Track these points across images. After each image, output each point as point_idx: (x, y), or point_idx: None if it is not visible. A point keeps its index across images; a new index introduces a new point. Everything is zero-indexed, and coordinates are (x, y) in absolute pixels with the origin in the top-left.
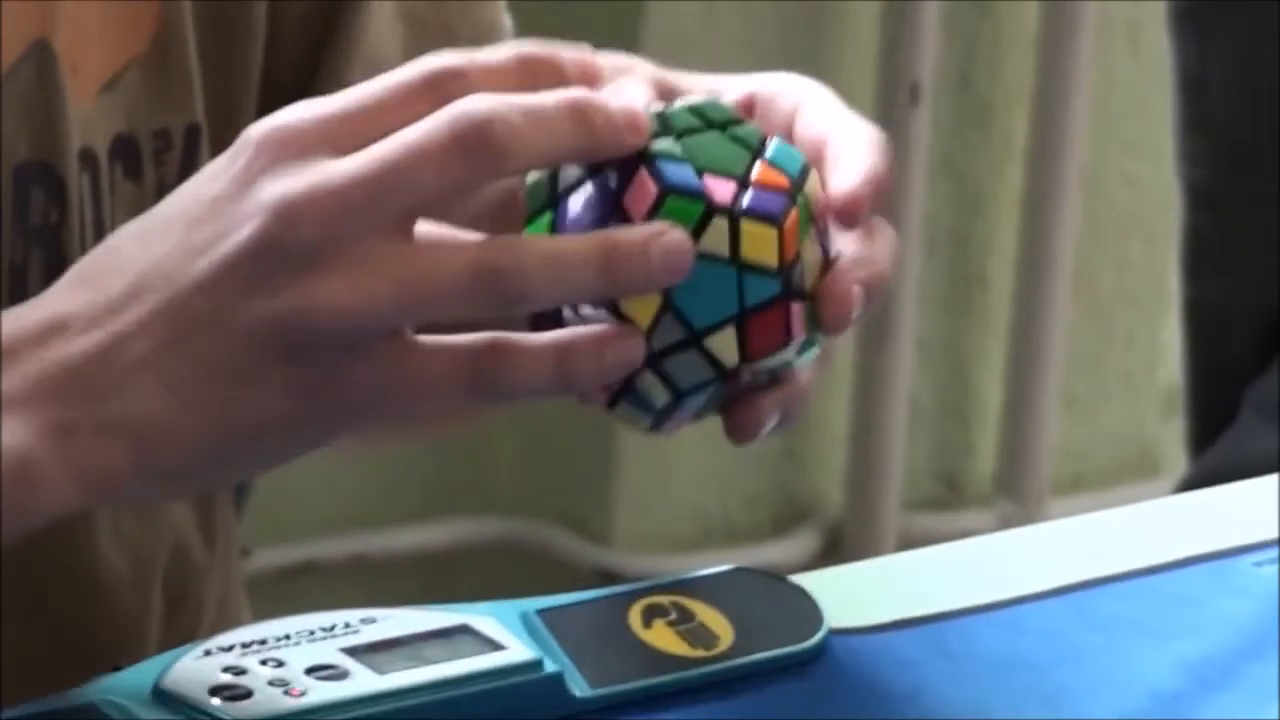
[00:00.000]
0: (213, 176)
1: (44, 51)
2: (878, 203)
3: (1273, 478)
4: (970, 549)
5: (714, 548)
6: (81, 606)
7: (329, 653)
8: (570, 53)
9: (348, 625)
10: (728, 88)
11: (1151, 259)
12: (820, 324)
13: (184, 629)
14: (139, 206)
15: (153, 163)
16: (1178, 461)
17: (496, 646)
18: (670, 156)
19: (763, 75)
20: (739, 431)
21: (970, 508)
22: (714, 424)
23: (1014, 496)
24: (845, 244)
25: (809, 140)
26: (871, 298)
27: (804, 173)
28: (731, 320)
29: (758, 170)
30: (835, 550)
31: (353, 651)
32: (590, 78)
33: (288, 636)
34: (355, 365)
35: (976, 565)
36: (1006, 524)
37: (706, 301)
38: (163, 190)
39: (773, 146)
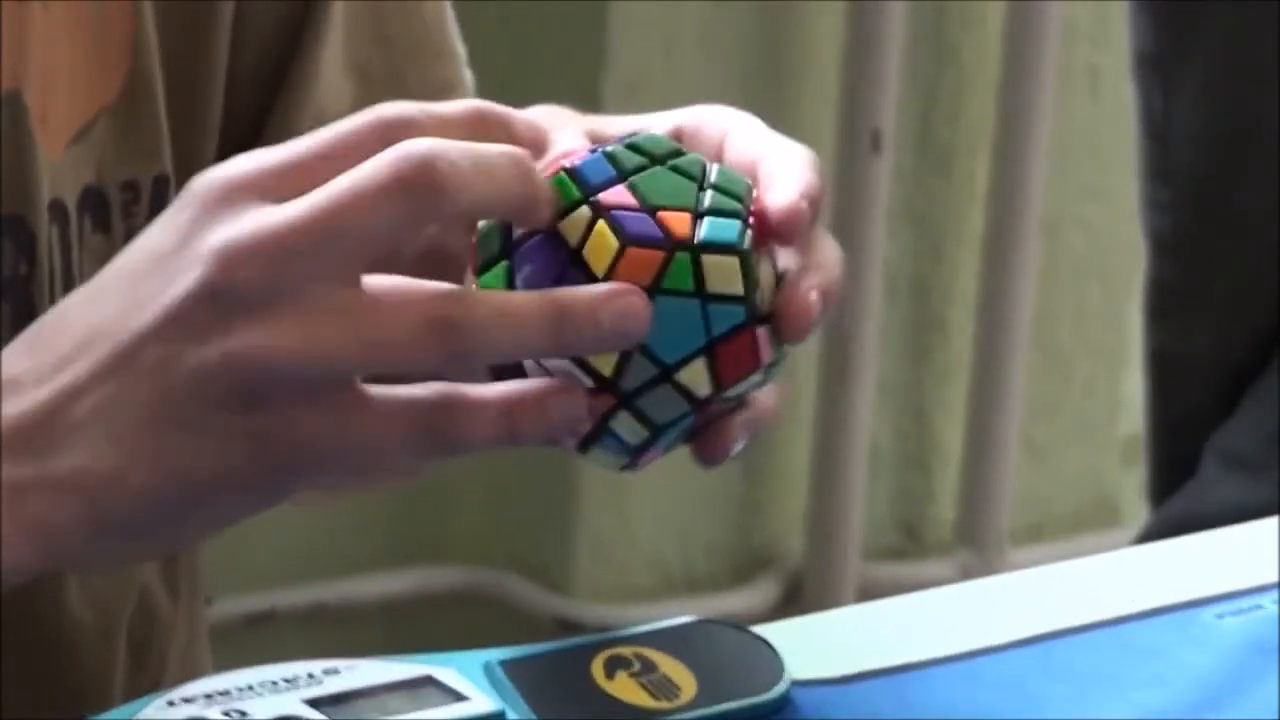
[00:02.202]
0: (157, 231)
1: (16, 103)
2: (814, 216)
3: (1233, 530)
4: (932, 600)
5: (674, 597)
6: (46, 656)
7: (292, 704)
8: (521, 116)
9: (311, 676)
10: (652, 125)
11: (1110, 306)
12: (782, 338)
13: (148, 679)
14: (108, 259)
15: (121, 214)
16: (1138, 510)
17: (459, 697)
18: (622, 205)
19: (685, 109)
20: (709, 457)
21: (930, 556)
22: (674, 475)
23: (974, 545)
24: (791, 258)
25: (740, 165)
26: (828, 305)
27: (749, 194)
28: (701, 352)
29: (708, 199)
30: (795, 599)
31: (316, 703)
32: (539, 143)
33: (251, 687)
34: (305, 415)
35: (938, 616)
36: (966, 573)
37: (674, 337)
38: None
39: (715, 173)
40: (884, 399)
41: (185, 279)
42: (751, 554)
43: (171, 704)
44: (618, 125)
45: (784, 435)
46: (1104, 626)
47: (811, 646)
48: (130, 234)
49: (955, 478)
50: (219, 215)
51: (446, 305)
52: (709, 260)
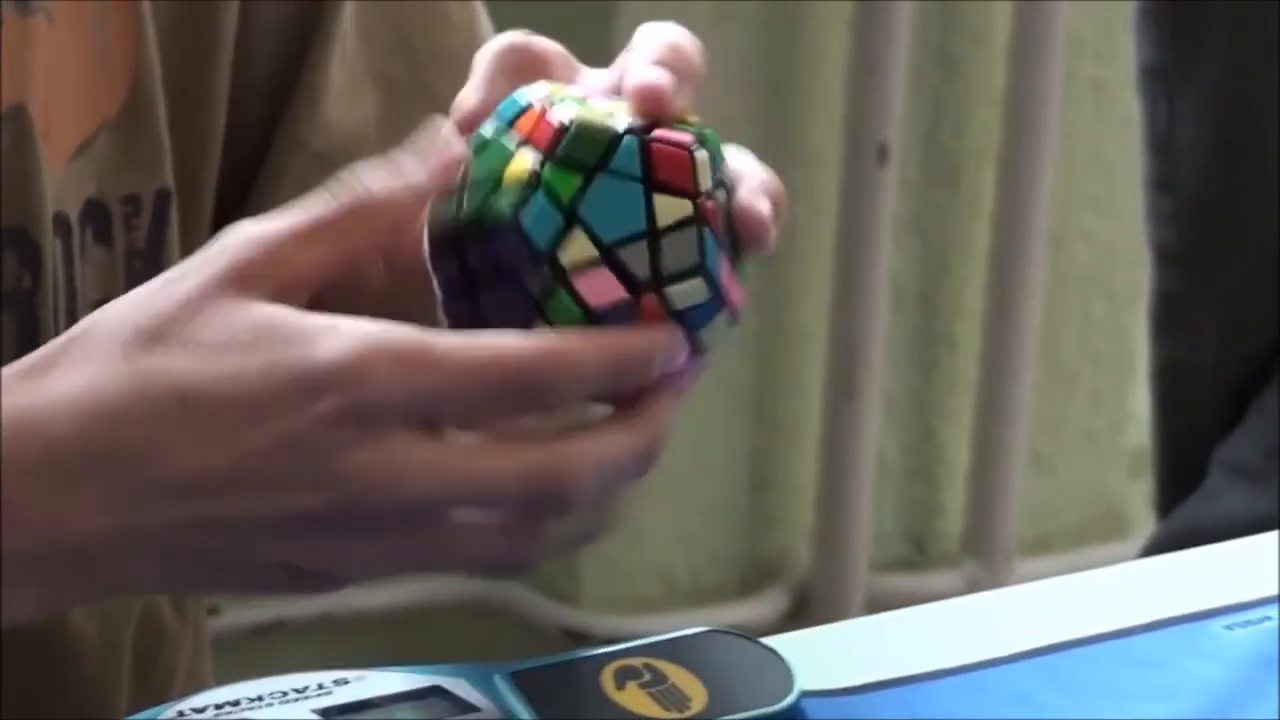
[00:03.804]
0: (278, 394)
1: (21, 116)
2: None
3: (1241, 542)
4: (940, 612)
5: (681, 608)
6: (50, 670)
7: (301, 714)
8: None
9: (320, 686)
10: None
11: (1116, 318)
12: (746, 251)
13: (154, 692)
14: (109, 271)
15: (123, 227)
16: (1145, 522)
17: (469, 708)
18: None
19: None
20: (755, 238)
21: (938, 568)
22: (682, 486)
23: (981, 557)
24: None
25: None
26: (778, 208)
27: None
28: (642, 190)
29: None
30: (803, 611)
31: (325, 713)
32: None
33: (260, 698)
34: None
35: (946, 628)
36: (974, 585)
37: (616, 213)
38: (132, 255)
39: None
40: (891, 411)
41: (306, 496)
42: (759, 565)
43: (181, 714)
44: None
45: (791, 447)
46: (1111, 638)
47: (820, 658)
48: (131, 247)
49: (962, 489)
50: (358, 437)
51: (520, 545)
52: (569, 138)
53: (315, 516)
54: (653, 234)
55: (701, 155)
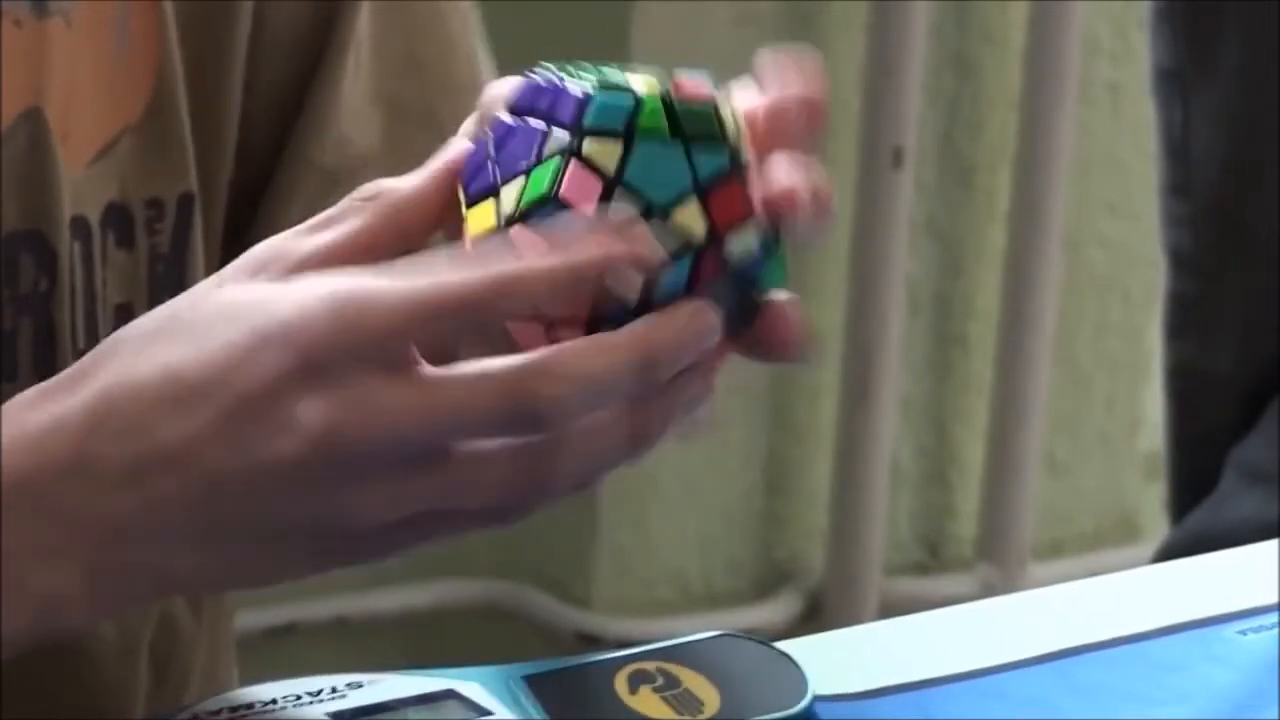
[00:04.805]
0: (236, 354)
1: (36, 119)
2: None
3: (1256, 546)
4: (954, 616)
5: (695, 611)
6: (67, 673)
7: (315, 717)
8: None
9: (334, 690)
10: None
11: (1130, 321)
12: (766, 357)
13: (171, 695)
14: (131, 275)
15: (145, 231)
16: (1159, 526)
17: (483, 712)
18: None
19: None
20: (777, 342)
21: (951, 571)
22: (696, 489)
23: (995, 561)
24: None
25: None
26: (805, 330)
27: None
28: (690, 189)
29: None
30: (816, 614)
31: (339, 716)
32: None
33: (274, 701)
34: (388, 536)
35: (961, 632)
36: (987, 588)
37: (652, 174)
38: (155, 259)
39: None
40: (905, 414)
41: (286, 447)
42: (773, 569)
43: (196, 718)
44: None
45: (805, 450)
46: (1126, 643)
47: (833, 662)
48: (154, 251)
49: (976, 493)
50: (319, 387)
51: (532, 466)
52: (681, 106)
53: (300, 466)
54: (656, 212)
55: (749, 241)
